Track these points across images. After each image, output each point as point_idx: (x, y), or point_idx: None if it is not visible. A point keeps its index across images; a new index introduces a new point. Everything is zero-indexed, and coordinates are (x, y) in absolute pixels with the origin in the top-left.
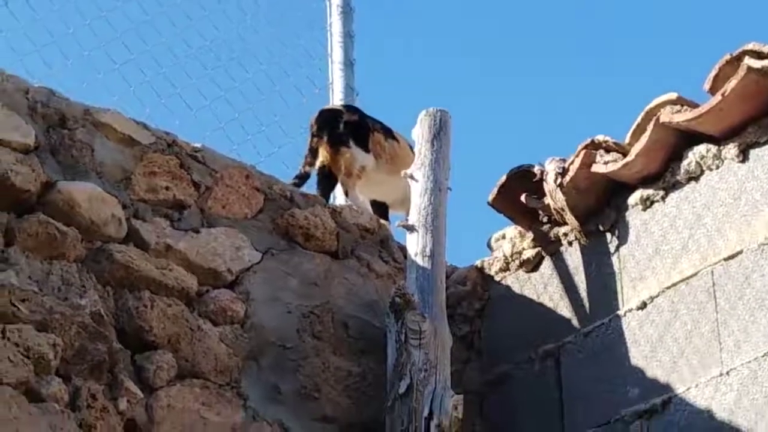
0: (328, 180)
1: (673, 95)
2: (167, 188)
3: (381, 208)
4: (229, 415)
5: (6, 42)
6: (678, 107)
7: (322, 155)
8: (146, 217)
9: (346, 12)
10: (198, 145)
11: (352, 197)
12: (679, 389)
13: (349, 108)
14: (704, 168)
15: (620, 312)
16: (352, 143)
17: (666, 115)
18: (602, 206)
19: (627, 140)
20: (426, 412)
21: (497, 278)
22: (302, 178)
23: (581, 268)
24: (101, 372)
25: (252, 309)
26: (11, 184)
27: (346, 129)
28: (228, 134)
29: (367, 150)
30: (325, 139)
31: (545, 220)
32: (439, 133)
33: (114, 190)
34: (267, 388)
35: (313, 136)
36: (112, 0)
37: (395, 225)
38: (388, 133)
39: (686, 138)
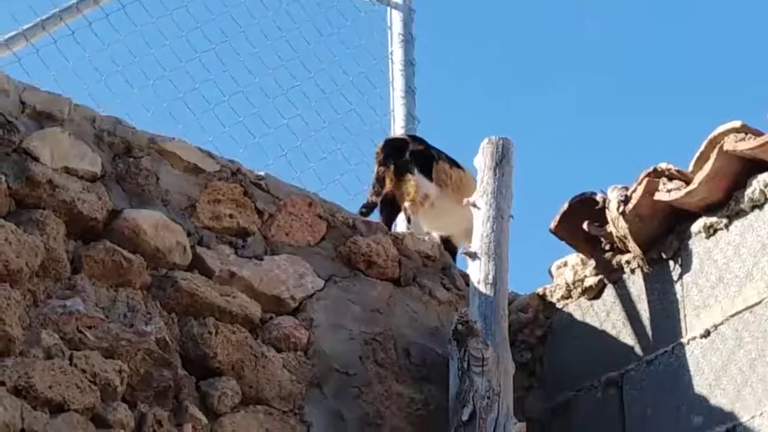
0: (391, 207)
1: (737, 123)
2: (231, 216)
3: (446, 244)
4: None
5: (73, 71)
6: (742, 135)
7: (388, 183)
8: (210, 245)
9: (407, 40)
10: (261, 173)
11: (413, 223)
12: (744, 418)
13: (415, 138)
14: None
15: (683, 340)
16: (416, 171)
17: (730, 143)
18: (665, 234)
19: (690, 168)
20: None
21: (559, 306)
22: (369, 208)
23: (644, 296)
24: (166, 398)
25: (315, 336)
26: (78, 212)
27: (411, 157)
28: (290, 162)
29: (431, 179)
30: (391, 167)
31: (607, 247)
32: (502, 160)
33: (179, 218)
34: (330, 415)
35: (379, 165)
36: (177, 29)
37: (459, 252)
38: (453, 163)
39: (750, 166)
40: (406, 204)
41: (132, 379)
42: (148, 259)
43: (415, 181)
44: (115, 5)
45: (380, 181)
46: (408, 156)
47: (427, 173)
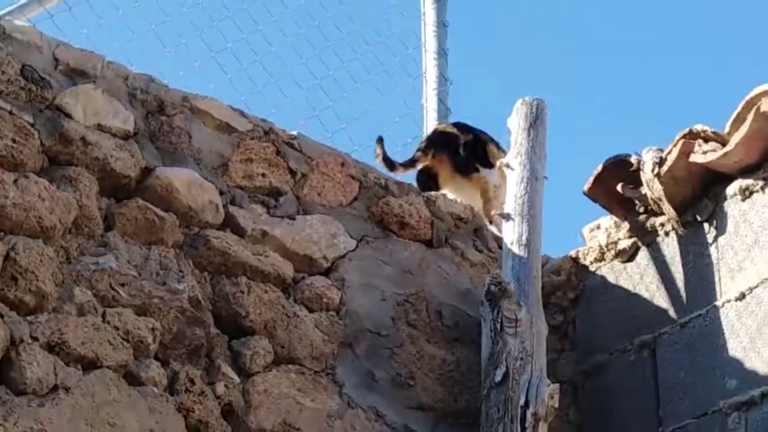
0: (428, 182)
1: None
2: (264, 175)
3: None
4: (325, 402)
5: (106, 30)
6: None
7: (438, 171)
8: (243, 204)
9: (440, 1)
10: (294, 132)
11: (496, 225)
12: None
13: (459, 127)
14: None
15: (718, 303)
16: (478, 166)
17: (767, 105)
18: (700, 196)
19: (726, 130)
20: (522, 401)
21: (592, 268)
22: (390, 165)
23: (678, 259)
24: (199, 356)
25: (347, 296)
26: (111, 170)
27: (467, 151)
28: (322, 123)
29: (491, 166)
30: (447, 161)
31: (641, 210)
32: (536, 122)
33: (211, 177)
34: (362, 375)
35: (419, 150)
36: None
37: (492, 213)
38: (495, 143)
39: None
40: (485, 206)
41: (164, 337)
42: (180, 218)
43: (484, 179)
44: None
45: (412, 161)
46: (463, 151)
47: (486, 161)
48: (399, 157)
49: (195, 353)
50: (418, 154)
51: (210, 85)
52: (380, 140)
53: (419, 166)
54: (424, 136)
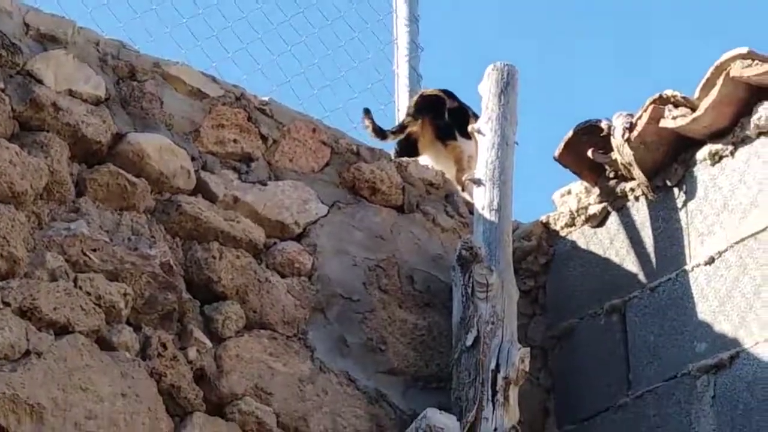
0: (409, 149)
1: (743, 50)
2: (235, 141)
3: None
4: (297, 366)
5: None
6: (749, 61)
7: (419, 135)
8: (214, 170)
9: None
10: (265, 98)
11: (468, 191)
12: (747, 344)
13: (448, 93)
14: None
15: (687, 267)
16: (457, 134)
17: (736, 70)
18: (670, 161)
19: (696, 95)
20: (493, 365)
21: (562, 233)
22: (381, 135)
23: (648, 224)
24: (171, 321)
25: (319, 261)
26: (82, 135)
27: (451, 118)
28: (294, 89)
29: (469, 137)
30: (429, 125)
31: (612, 175)
32: (507, 87)
33: (183, 143)
34: (334, 340)
35: (408, 115)
36: None
37: (463, 178)
38: (474, 115)
39: (756, 93)
40: (457, 174)
41: (136, 302)
42: (152, 183)
43: (460, 148)
44: None
45: (402, 127)
46: (447, 117)
47: (465, 132)
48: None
49: (167, 318)
50: (408, 119)
51: (181, 51)
52: (367, 111)
53: (408, 131)
54: (408, 100)
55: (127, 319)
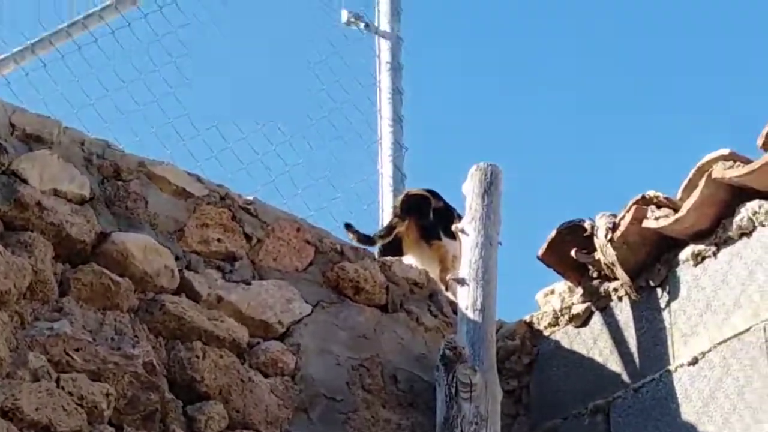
0: (392, 251)
1: (725, 151)
2: (219, 240)
3: None
4: None
5: (62, 95)
6: (730, 163)
7: (404, 235)
8: (198, 269)
9: (395, 68)
10: (250, 197)
11: (452, 291)
12: None
13: (433, 193)
14: (756, 224)
15: (671, 367)
16: (441, 234)
17: (718, 171)
18: (653, 261)
19: (678, 196)
20: None
21: (546, 333)
22: (369, 242)
23: (631, 324)
24: (153, 422)
25: (302, 361)
26: (67, 235)
27: (435, 218)
28: (278, 188)
29: (454, 237)
30: (414, 225)
31: (595, 275)
32: (490, 187)
33: (167, 242)
34: None
35: (395, 216)
36: (167, 56)
37: (447, 278)
38: (460, 217)
39: (738, 194)
40: (441, 274)
41: (119, 403)
42: (135, 283)
43: (444, 248)
44: (104, 30)
45: (390, 229)
46: (432, 217)
47: (449, 231)
48: (355, 223)
49: (149, 419)
50: (395, 219)
51: (166, 151)
52: (348, 226)
53: (395, 232)
54: (392, 199)
55: (109, 419)
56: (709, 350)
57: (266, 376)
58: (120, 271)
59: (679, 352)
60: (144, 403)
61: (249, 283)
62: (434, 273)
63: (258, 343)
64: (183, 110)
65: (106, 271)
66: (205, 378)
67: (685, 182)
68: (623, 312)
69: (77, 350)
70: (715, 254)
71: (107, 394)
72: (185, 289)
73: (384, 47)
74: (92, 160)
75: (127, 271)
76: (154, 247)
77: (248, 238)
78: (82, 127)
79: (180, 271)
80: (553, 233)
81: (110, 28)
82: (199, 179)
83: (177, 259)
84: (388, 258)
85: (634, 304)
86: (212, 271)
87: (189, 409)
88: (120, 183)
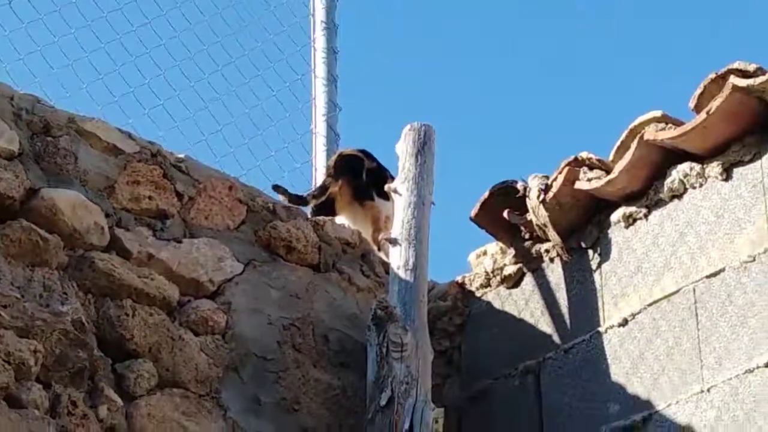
0: (325, 211)
1: (657, 113)
2: (150, 198)
3: None
4: (209, 426)
5: None
6: (662, 125)
7: (337, 198)
8: (129, 227)
9: (330, 28)
10: (182, 155)
11: (385, 251)
12: (660, 406)
13: (366, 153)
14: (688, 186)
15: (601, 329)
16: (374, 195)
17: (650, 133)
18: (585, 223)
19: (611, 157)
20: (407, 425)
21: (478, 294)
22: (301, 202)
23: (563, 285)
24: (82, 379)
25: (233, 320)
26: None
27: (369, 178)
28: (211, 147)
29: (387, 198)
30: (347, 186)
31: (527, 236)
32: (423, 147)
33: (97, 199)
34: (247, 400)
35: (328, 176)
36: (97, 10)
37: (379, 238)
38: (393, 178)
39: (670, 156)
40: (374, 234)
41: (47, 360)
42: (65, 240)
43: (377, 208)
44: None
45: (323, 189)
46: (365, 177)
47: (382, 192)
48: (287, 182)
49: (78, 376)
50: (329, 180)
51: (98, 107)
52: (276, 187)
53: (328, 193)
54: (325, 159)
55: (37, 376)
56: (639, 311)
57: (197, 334)
58: (49, 228)
59: (610, 314)
60: (72, 360)
61: (180, 241)
62: (367, 233)
63: (189, 301)
64: (113, 66)
65: (35, 228)
66: (134, 336)
67: (618, 144)
68: (555, 273)
69: (5, 307)
70: (646, 216)
71: (35, 351)
72: (115, 246)
73: (319, 6)
74: (21, 115)
75: (56, 227)
76: (83, 204)
77: (180, 195)
78: (11, 82)
79: (110, 228)
80: (486, 194)
81: None
82: (130, 136)
83: (107, 216)
84: (321, 218)
85: (565, 266)
86: (143, 228)
87: (118, 367)
88: (50, 139)
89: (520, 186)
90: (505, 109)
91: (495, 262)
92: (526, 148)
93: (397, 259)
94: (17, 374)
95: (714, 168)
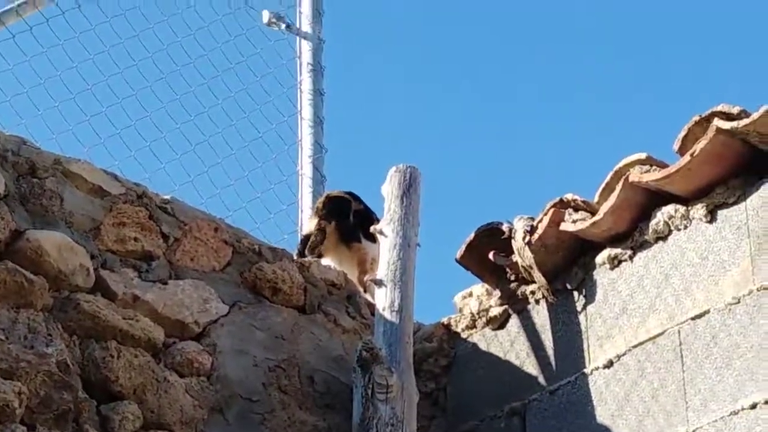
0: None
1: (642, 155)
2: (136, 239)
3: None
4: None
5: None
6: (647, 167)
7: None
8: (114, 268)
9: (316, 70)
10: (167, 197)
11: (371, 293)
12: None
13: (353, 196)
14: (672, 228)
15: (587, 370)
16: (361, 237)
17: (635, 175)
18: (570, 265)
19: (596, 199)
20: None
21: (464, 335)
22: (312, 252)
23: (548, 327)
24: (66, 421)
25: (218, 361)
26: None
27: (356, 220)
28: (197, 188)
29: (373, 240)
30: (334, 228)
31: (513, 278)
32: (409, 189)
33: (83, 240)
34: None
35: (321, 218)
36: (83, 52)
37: (365, 279)
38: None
39: (655, 198)
40: (360, 276)
41: (31, 402)
42: (50, 281)
43: (363, 250)
44: (21, 26)
45: (322, 232)
46: (352, 218)
47: (368, 233)
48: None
49: (62, 418)
50: (323, 222)
51: (84, 149)
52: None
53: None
54: (311, 200)
55: (21, 418)
56: (625, 353)
57: (182, 376)
58: (34, 269)
59: (595, 355)
60: (57, 402)
61: (165, 283)
62: (353, 275)
63: (174, 343)
64: (100, 108)
65: (20, 269)
66: (119, 377)
67: (603, 185)
68: (540, 315)
69: None
70: (631, 258)
71: (19, 393)
72: (100, 288)
73: (305, 48)
74: (7, 157)
75: (41, 269)
76: (69, 246)
77: (165, 237)
78: None
79: (95, 269)
80: (472, 236)
81: (27, 24)
82: (116, 177)
83: (92, 257)
84: (307, 259)
85: (551, 307)
86: (128, 270)
87: (103, 409)
88: (35, 180)
89: (505, 228)
90: (490, 151)
91: (480, 303)
92: (512, 190)
93: (383, 300)
94: (1, 416)
95: (698, 210)
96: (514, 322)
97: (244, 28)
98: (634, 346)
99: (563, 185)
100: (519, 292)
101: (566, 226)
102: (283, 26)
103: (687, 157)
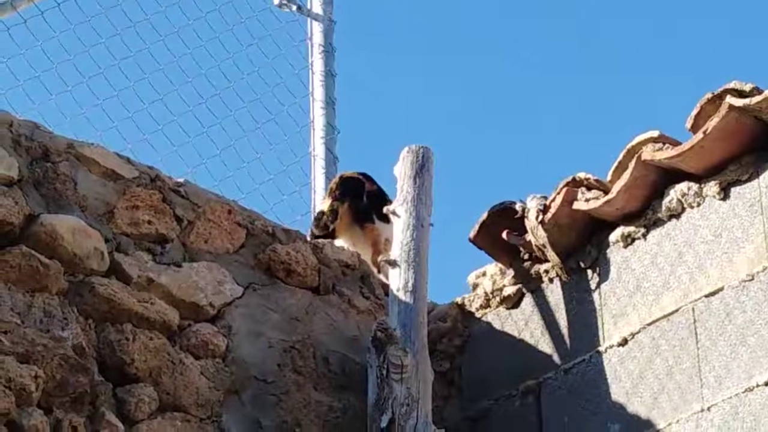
0: (324, 233)
1: (654, 133)
2: (150, 222)
3: None
4: None
5: None
6: (660, 145)
7: (341, 218)
8: (129, 251)
9: (328, 51)
10: (180, 179)
11: (384, 273)
12: (660, 425)
13: (366, 176)
14: (685, 205)
15: (601, 348)
16: (375, 217)
17: (648, 153)
18: (583, 243)
19: (609, 178)
20: None
21: (478, 315)
22: (325, 232)
23: (562, 305)
24: (82, 404)
25: (233, 343)
26: None
27: (369, 201)
28: (210, 171)
29: (387, 220)
30: (348, 208)
31: (526, 257)
32: (422, 169)
33: (97, 224)
34: (248, 423)
35: (334, 199)
36: (95, 35)
37: (379, 260)
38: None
39: (668, 176)
40: (374, 257)
41: (48, 385)
42: (65, 265)
43: (377, 230)
44: (33, 10)
45: (335, 213)
46: (366, 199)
47: (381, 214)
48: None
49: (79, 401)
50: (336, 203)
51: (97, 132)
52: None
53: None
54: (324, 182)
55: (38, 402)
56: (639, 331)
57: (197, 358)
58: (49, 254)
59: (609, 333)
60: (73, 385)
61: (180, 266)
62: (367, 256)
63: (189, 325)
64: (112, 92)
65: (35, 253)
66: (135, 360)
67: (615, 164)
68: (554, 294)
69: (5, 333)
70: (644, 236)
71: (36, 377)
72: (115, 271)
73: (316, 30)
74: (20, 141)
75: (56, 253)
76: (83, 229)
77: (179, 220)
78: (10, 109)
79: (110, 253)
80: (485, 215)
81: (39, 9)
82: (129, 161)
83: (107, 241)
84: (320, 240)
85: (564, 286)
86: (142, 253)
87: (119, 392)
88: (49, 165)
89: (518, 207)
90: (503, 130)
91: (494, 282)
92: (525, 168)
93: (397, 280)
94: (18, 400)
95: (711, 187)
96: (528, 301)
97: (255, 10)
98: (649, 324)
99: (576, 164)
100: (533, 271)
101: (579, 205)
102: (294, 8)
103: (699, 135)
